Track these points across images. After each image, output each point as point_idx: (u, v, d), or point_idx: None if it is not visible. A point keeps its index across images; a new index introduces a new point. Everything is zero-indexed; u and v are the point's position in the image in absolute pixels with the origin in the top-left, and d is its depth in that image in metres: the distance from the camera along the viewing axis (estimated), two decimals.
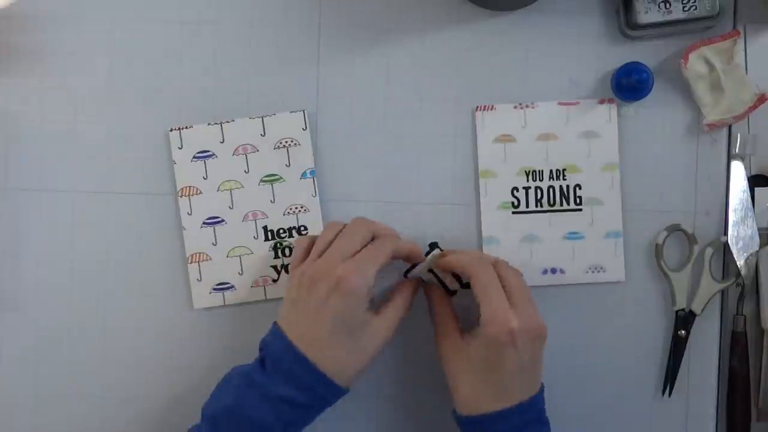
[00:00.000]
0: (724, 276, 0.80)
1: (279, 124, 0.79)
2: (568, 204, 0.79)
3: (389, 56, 0.80)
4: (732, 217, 0.79)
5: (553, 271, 0.79)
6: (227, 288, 0.80)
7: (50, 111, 0.80)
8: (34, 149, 0.80)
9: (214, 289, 0.79)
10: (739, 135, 0.80)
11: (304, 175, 0.79)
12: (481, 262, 0.71)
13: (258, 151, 0.79)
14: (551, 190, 0.79)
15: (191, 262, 0.79)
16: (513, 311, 0.68)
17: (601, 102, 0.80)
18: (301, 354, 0.68)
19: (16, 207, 0.80)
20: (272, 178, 0.79)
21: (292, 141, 0.79)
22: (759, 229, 0.79)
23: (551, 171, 0.80)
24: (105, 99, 0.80)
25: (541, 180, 0.79)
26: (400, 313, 0.73)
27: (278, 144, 0.79)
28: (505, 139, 0.80)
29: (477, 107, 0.80)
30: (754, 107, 0.78)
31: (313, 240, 0.74)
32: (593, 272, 0.79)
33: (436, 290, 0.75)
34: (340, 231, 0.74)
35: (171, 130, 0.79)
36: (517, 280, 0.71)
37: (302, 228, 0.79)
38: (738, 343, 0.79)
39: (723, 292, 0.80)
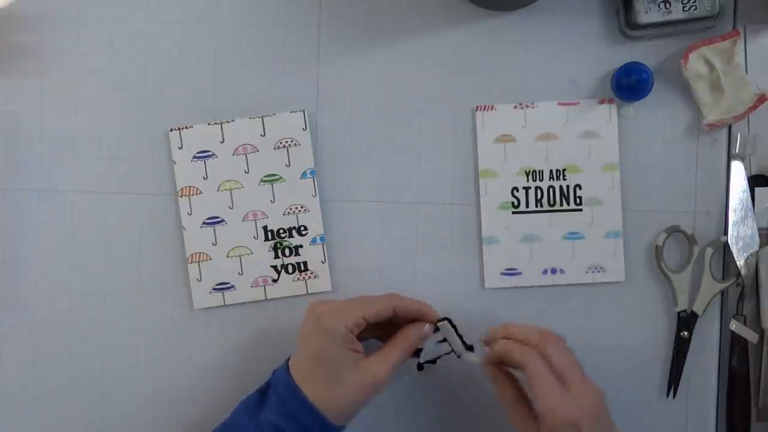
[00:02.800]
0: (724, 276, 0.80)
1: (279, 124, 0.79)
2: (568, 204, 0.79)
3: (389, 56, 0.80)
4: (732, 217, 0.79)
5: (553, 271, 0.79)
6: (227, 288, 0.80)
7: (50, 111, 0.80)
8: (34, 149, 0.80)
9: (214, 289, 0.79)
10: (739, 135, 0.80)
11: (304, 175, 0.79)
12: (523, 349, 0.68)
13: (258, 151, 0.79)
14: (551, 190, 0.79)
15: (191, 262, 0.79)
16: (568, 396, 0.66)
17: (601, 102, 0.80)
18: (291, 380, 0.70)
19: (16, 207, 0.80)
20: (272, 178, 0.79)
21: (292, 141, 0.79)
22: (759, 229, 0.79)
23: (551, 171, 0.80)
24: (105, 99, 0.80)
25: (541, 180, 0.79)
26: (394, 358, 0.72)
27: (278, 144, 0.79)
28: (505, 139, 0.80)
29: (477, 107, 0.80)
30: (754, 107, 0.78)
31: None
32: (593, 272, 0.79)
33: (502, 374, 0.71)
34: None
35: (171, 130, 0.79)
36: (563, 356, 0.68)
37: (302, 228, 0.79)
38: (738, 343, 0.79)
39: (723, 292, 0.80)
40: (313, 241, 0.79)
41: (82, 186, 0.80)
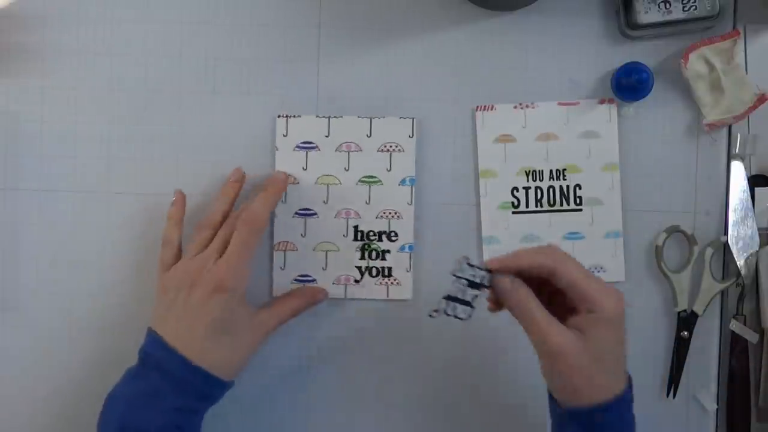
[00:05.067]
0: (724, 276, 0.80)
1: (386, 127, 0.79)
2: (568, 204, 0.79)
3: (389, 56, 0.80)
4: (732, 217, 0.79)
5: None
6: (309, 281, 0.79)
7: (50, 111, 0.80)
8: (34, 149, 0.80)
9: (296, 279, 0.79)
10: (739, 135, 0.80)
11: (403, 182, 0.79)
12: (554, 252, 0.67)
13: (361, 150, 0.79)
14: (551, 190, 0.79)
15: (277, 250, 0.79)
16: (596, 286, 0.66)
17: (601, 102, 0.80)
18: (187, 359, 0.69)
19: (16, 207, 0.80)
20: (371, 179, 0.79)
21: (396, 146, 0.79)
22: (759, 229, 0.79)
23: (551, 171, 0.79)
24: (105, 99, 0.80)
25: (541, 180, 0.79)
26: (286, 316, 0.75)
27: (383, 147, 0.79)
28: (505, 139, 0.80)
29: (477, 107, 0.80)
30: (754, 107, 0.78)
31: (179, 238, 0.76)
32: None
33: (521, 285, 0.67)
34: (208, 230, 0.75)
35: (278, 117, 0.79)
36: (578, 262, 0.67)
37: (392, 233, 0.79)
38: (738, 343, 0.79)
39: (723, 292, 0.80)
40: (402, 248, 0.79)
41: (82, 186, 0.80)
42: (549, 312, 0.65)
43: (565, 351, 0.65)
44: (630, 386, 0.68)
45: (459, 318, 0.68)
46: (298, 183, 0.79)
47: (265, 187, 0.76)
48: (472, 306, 0.68)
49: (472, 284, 0.67)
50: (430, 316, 0.68)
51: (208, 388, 0.70)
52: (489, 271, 0.67)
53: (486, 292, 0.67)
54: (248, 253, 0.71)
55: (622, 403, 0.66)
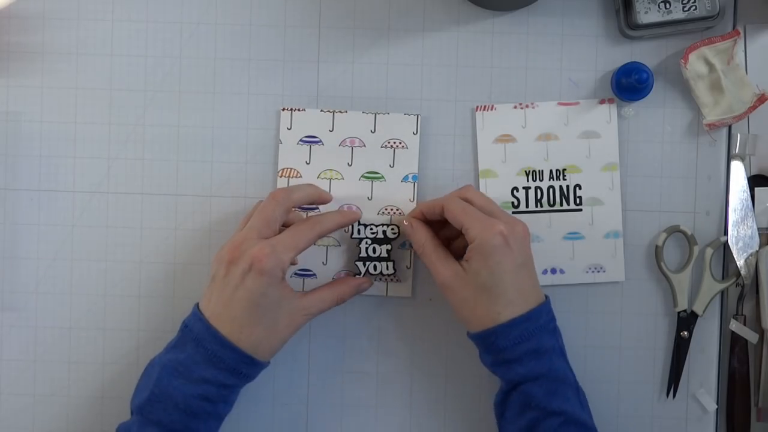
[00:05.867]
0: (724, 276, 0.80)
1: (390, 123, 0.79)
2: (568, 204, 0.79)
3: (389, 56, 0.80)
4: (732, 217, 0.79)
5: (553, 271, 0.79)
6: (309, 275, 0.79)
7: (50, 111, 0.80)
8: (34, 149, 0.80)
9: (296, 274, 0.79)
10: (739, 135, 0.80)
11: (405, 179, 0.79)
12: (448, 195, 0.75)
13: (365, 146, 0.79)
14: (551, 190, 0.79)
15: None
16: (496, 220, 0.71)
17: (602, 102, 0.80)
18: (221, 335, 0.69)
19: (16, 207, 0.80)
20: (374, 175, 0.79)
21: (400, 143, 0.79)
22: (759, 229, 0.79)
23: (551, 171, 0.79)
24: (105, 99, 0.80)
25: (541, 180, 0.79)
26: (329, 303, 0.74)
27: (386, 143, 0.79)
28: (505, 139, 0.80)
29: (477, 107, 0.80)
30: (754, 107, 0.78)
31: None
32: (593, 272, 0.79)
33: (419, 225, 0.75)
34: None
35: (283, 110, 0.79)
36: (483, 197, 0.74)
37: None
38: (738, 343, 0.79)
39: (723, 292, 0.80)
40: (403, 245, 0.79)
41: (82, 186, 0.80)
42: (450, 250, 0.74)
43: (450, 284, 0.72)
44: (534, 311, 0.71)
45: (389, 277, 0.76)
46: (300, 177, 0.79)
47: (341, 209, 0.78)
48: (391, 259, 0.76)
49: (378, 240, 0.76)
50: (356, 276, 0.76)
51: (240, 365, 0.70)
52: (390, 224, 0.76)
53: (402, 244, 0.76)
54: (297, 247, 0.71)
55: (512, 329, 0.69)
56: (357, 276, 0.77)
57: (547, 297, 0.73)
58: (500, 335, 0.70)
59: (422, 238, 0.74)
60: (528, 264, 0.72)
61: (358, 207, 0.79)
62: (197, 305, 0.72)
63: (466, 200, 0.73)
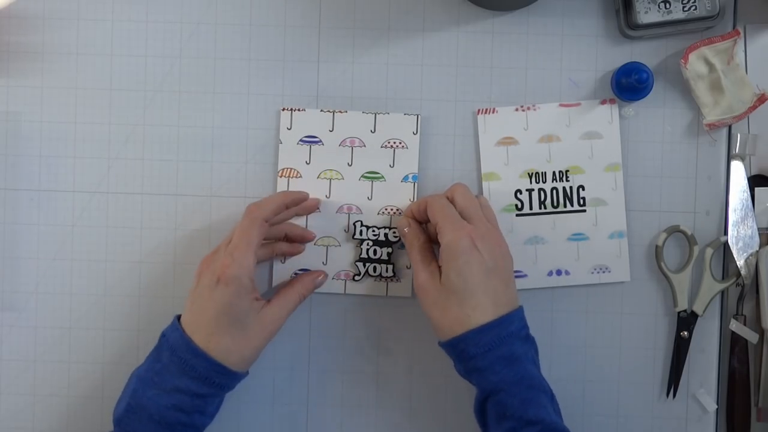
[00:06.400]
0: (724, 276, 0.80)
1: (390, 123, 0.79)
2: (572, 205, 0.79)
3: (389, 57, 0.80)
4: (732, 217, 0.79)
5: (558, 272, 0.79)
6: None
7: (50, 111, 0.80)
8: (34, 149, 0.80)
9: (296, 273, 0.79)
10: (739, 135, 0.80)
11: (405, 179, 0.79)
12: (434, 195, 0.75)
13: (365, 146, 0.79)
14: (554, 191, 0.79)
15: None
16: (468, 224, 0.71)
17: (603, 103, 0.80)
18: (193, 344, 0.70)
19: (16, 207, 0.80)
20: (374, 175, 0.79)
21: (400, 143, 0.79)
22: (759, 229, 0.79)
23: (554, 173, 0.79)
24: (105, 99, 0.80)
25: (545, 182, 0.79)
26: (293, 304, 0.75)
27: (386, 143, 0.79)
28: (508, 141, 0.79)
29: (478, 110, 0.80)
30: (754, 107, 0.78)
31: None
32: (598, 273, 0.79)
33: (413, 226, 0.75)
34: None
35: (283, 110, 0.79)
36: (468, 198, 0.73)
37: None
38: (738, 343, 0.79)
39: (723, 292, 0.80)
40: (402, 245, 0.79)
41: (82, 186, 0.80)
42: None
43: (423, 285, 0.71)
44: (505, 317, 0.69)
45: (389, 279, 0.76)
46: (300, 177, 0.79)
47: (285, 192, 0.77)
48: (391, 262, 0.77)
49: (379, 242, 0.76)
50: (355, 279, 0.77)
51: (212, 373, 0.70)
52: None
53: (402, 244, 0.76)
54: (251, 245, 0.71)
55: (482, 335, 0.68)
56: (312, 271, 0.78)
57: (520, 306, 0.72)
58: (470, 342, 0.69)
59: (411, 238, 0.74)
60: (500, 270, 0.70)
61: (358, 207, 0.79)
62: (177, 316, 0.73)
63: (450, 200, 0.73)
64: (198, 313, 0.71)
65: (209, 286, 0.70)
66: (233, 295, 0.70)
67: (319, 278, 0.78)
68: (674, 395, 0.79)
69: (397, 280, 0.79)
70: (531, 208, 0.79)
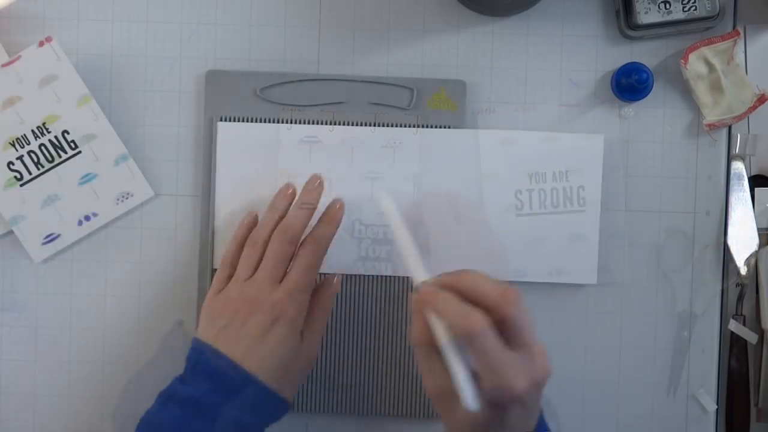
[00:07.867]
0: (724, 276, 0.80)
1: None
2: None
3: (389, 58, 0.80)
4: (732, 217, 0.79)
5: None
6: None
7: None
8: None
9: None
10: (739, 135, 0.80)
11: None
12: (464, 309, 0.58)
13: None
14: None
15: None
16: (514, 365, 0.58)
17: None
18: (263, 384, 0.68)
19: None
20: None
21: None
22: (759, 229, 0.79)
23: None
24: (104, 98, 0.80)
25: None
26: (322, 329, 0.73)
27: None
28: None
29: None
30: (754, 107, 0.78)
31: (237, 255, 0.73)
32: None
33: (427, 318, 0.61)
34: (259, 247, 0.72)
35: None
36: (525, 320, 0.59)
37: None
38: (738, 343, 0.79)
39: (723, 292, 0.80)
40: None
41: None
42: None
43: (443, 407, 0.63)
44: None
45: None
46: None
47: (326, 212, 0.74)
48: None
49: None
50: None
51: (278, 409, 0.70)
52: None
53: None
54: (309, 286, 0.70)
55: None
56: (325, 280, 0.75)
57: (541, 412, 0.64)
58: None
59: (423, 337, 0.61)
60: (535, 409, 0.63)
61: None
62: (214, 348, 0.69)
63: (505, 319, 0.58)
64: (256, 352, 0.68)
65: (262, 325, 0.68)
66: (288, 335, 0.69)
67: (335, 282, 0.76)
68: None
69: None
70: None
